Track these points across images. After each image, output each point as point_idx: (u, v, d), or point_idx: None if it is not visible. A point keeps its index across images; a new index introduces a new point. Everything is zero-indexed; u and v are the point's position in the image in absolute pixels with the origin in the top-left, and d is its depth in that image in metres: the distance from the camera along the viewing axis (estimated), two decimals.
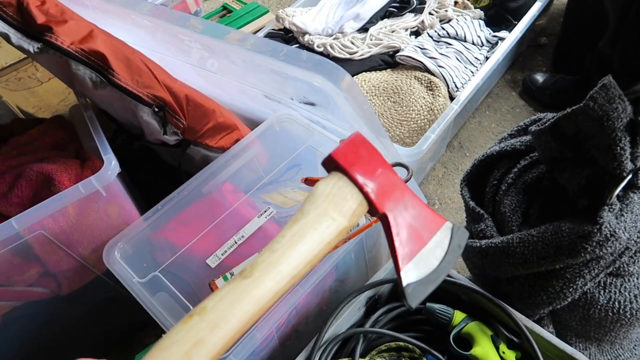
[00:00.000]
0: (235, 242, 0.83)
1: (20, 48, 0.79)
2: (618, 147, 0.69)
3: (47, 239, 0.81)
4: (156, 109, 0.83)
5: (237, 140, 0.98)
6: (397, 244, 0.48)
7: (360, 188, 0.49)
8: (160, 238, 0.88)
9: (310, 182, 0.88)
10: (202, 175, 0.92)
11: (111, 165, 0.79)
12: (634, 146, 0.69)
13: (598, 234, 0.66)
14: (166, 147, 0.93)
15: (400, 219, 0.50)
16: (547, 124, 0.77)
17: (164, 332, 0.72)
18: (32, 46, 0.77)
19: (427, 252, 0.49)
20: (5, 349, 0.93)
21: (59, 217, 0.79)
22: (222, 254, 0.82)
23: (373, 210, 0.50)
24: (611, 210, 0.68)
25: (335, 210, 0.48)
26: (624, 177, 0.69)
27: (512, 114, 1.42)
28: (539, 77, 1.48)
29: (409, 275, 0.47)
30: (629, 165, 0.69)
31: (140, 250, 0.85)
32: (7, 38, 0.78)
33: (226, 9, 1.93)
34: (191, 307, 0.76)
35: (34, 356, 0.99)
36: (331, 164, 0.52)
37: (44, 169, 0.82)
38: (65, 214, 0.80)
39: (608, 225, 0.66)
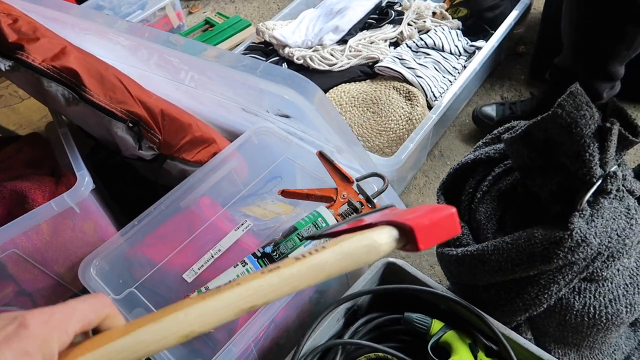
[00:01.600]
0: (212, 256, 0.83)
1: None
2: (587, 154, 0.69)
3: (21, 258, 0.80)
4: (130, 124, 0.83)
5: (214, 154, 0.98)
6: None
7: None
8: (137, 254, 0.87)
9: (287, 194, 0.88)
10: (179, 190, 0.92)
11: (84, 181, 0.79)
12: (602, 152, 0.70)
13: (569, 240, 0.67)
14: (143, 162, 0.92)
15: None
16: (518, 132, 0.78)
17: None
18: (3, 64, 0.77)
19: None
20: None
21: (32, 235, 0.78)
22: (198, 269, 0.82)
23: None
24: (582, 216, 0.69)
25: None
26: (594, 183, 0.70)
27: None
28: (490, 111, 1.38)
29: None
30: (599, 171, 0.70)
31: (116, 267, 0.84)
32: None
33: (208, 23, 1.94)
34: None
35: None
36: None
37: (17, 186, 0.81)
38: (38, 231, 0.79)
39: (579, 231, 0.67)
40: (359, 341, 0.81)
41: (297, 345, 0.78)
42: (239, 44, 1.66)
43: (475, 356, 0.76)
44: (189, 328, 0.35)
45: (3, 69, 0.78)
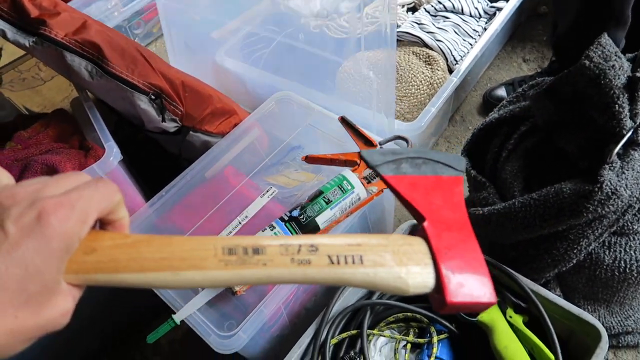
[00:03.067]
0: (240, 223, 0.84)
1: (16, 43, 0.80)
2: (616, 105, 0.68)
3: None
4: (153, 97, 0.84)
5: (236, 125, 0.98)
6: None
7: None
8: (166, 223, 0.89)
9: (311, 159, 0.89)
10: (203, 160, 0.93)
11: (112, 152, 0.80)
12: (632, 103, 0.69)
13: (599, 193, 0.66)
14: (166, 135, 0.94)
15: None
16: (544, 87, 0.77)
17: (174, 313, 0.74)
18: (27, 40, 0.78)
19: None
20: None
21: None
22: (227, 235, 0.83)
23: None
24: (612, 168, 0.68)
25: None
26: (624, 135, 0.68)
27: None
28: (501, 92, 1.34)
29: None
30: (629, 123, 0.69)
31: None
32: (3, 34, 0.79)
33: None
34: (199, 289, 0.78)
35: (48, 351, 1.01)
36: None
37: (48, 160, 0.83)
38: None
39: (609, 184, 0.66)
40: (387, 301, 0.82)
41: (327, 306, 0.79)
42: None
43: (504, 313, 0.76)
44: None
45: (27, 45, 0.79)
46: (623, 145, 0.69)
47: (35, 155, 0.85)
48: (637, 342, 0.88)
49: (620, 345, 0.88)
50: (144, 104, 0.84)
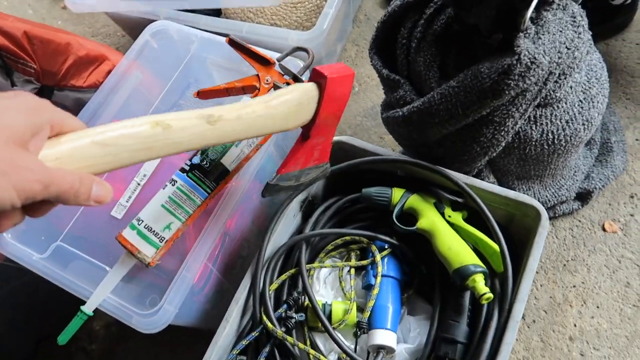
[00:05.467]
0: (138, 184, 0.73)
1: None
2: None
3: None
4: None
5: (110, 72, 0.83)
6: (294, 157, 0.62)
7: (319, 112, 0.56)
8: None
9: (204, 94, 0.77)
10: (81, 120, 0.79)
11: None
12: None
13: (518, 65, 0.60)
14: None
15: (314, 143, 0.61)
16: None
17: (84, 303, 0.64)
18: None
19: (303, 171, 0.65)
20: None
21: None
22: (126, 201, 0.72)
23: (306, 130, 0.59)
24: (527, 35, 0.62)
25: (295, 117, 0.55)
26: None
27: None
28: None
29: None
30: None
31: (33, 223, 0.73)
32: None
33: None
34: (108, 269, 0.68)
35: None
36: (318, 79, 0.56)
37: None
38: None
39: (527, 52, 0.60)
40: (320, 231, 0.76)
41: (259, 251, 0.72)
42: None
43: (442, 214, 0.72)
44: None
45: None
46: (535, 8, 0.62)
47: None
48: (571, 209, 0.88)
49: (557, 215, 0.88)
50: None
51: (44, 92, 0.77)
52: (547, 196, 0.83)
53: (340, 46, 1.20)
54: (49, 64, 0.76)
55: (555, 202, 0.85)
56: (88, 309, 0.62)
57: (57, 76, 0.77)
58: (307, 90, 0.55)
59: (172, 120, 0.44)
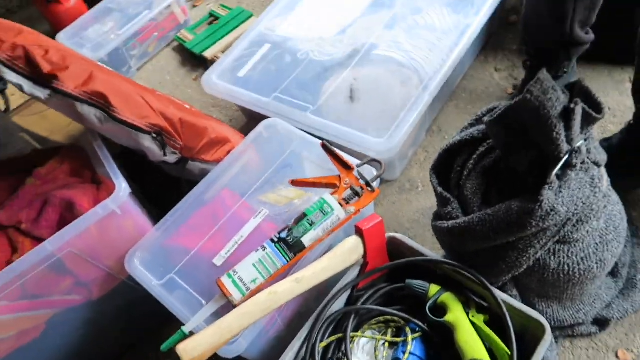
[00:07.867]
0: (236, 242, 0.96)
1: (32, 95, 0.91)
2: (554, 132, 0.79)
3: (76, 255, 0.94)
4: (154, 135, 0.95)
5: (229, 152, 1.10)
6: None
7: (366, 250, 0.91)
8: (172, 244, 1.01)
9: (297, 183, 1.00)
10: (202, 186, 1.05)
11: (122, 187, 0.92)
12: (568, 130, 0.80)
13: (540, 210, 0.77)
14: (168, 165, 1.05)
15: None
16: (495, 115, 0.88)
17: (183, 325, 0.86)
18: (42, 93, 0.90)
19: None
20: (50, 351, 1.08)
21: (84, 235, 0.92)
22: (225, 254, 0.95)
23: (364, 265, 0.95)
24: (551, 188, 0.79)
25: (349, 259, 0.91)
26: (561, 159, 0.79)
27: (486, 94, 1.51)
28: None
29: None
30: (565, 147, 0.80)
31: (156, 256, 0.98)
32: (20, 88, 0.90)
33: (213, 16, 2.03)
34: (204, 302, 0.90)
35: (75, 356, 1.14)
36: (359, 231, 0.90)
37: (65, 195, 0.95)
38: (88, 232, 0.93)
39: (547, 202, 0.77)
40: (369, 306, 0.94)
41: (320, 311, 0.91)
42: (239, 36, 1.73)
43: (467, 313, 0.88)
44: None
45: (43, 97, 0.90)
46: (561, 167, 0.80)
47: (54, 190, 0.97)
48: (589, 331, 1.00)
49: (575, 334, 1.00)
50: (147, 142, 0.96)
51: (182, 161, 1.04)
52: (565, 316, 0.97)
53: (413, 150, 1.41)
54: (190, 142, 1.03)
55: (573, 322, 0.97)
56: (187, 329, 0.84)
57: (193, 150, 1.05)
58: (353, 241, 0.91)
59: (278, 287, 0.82)
